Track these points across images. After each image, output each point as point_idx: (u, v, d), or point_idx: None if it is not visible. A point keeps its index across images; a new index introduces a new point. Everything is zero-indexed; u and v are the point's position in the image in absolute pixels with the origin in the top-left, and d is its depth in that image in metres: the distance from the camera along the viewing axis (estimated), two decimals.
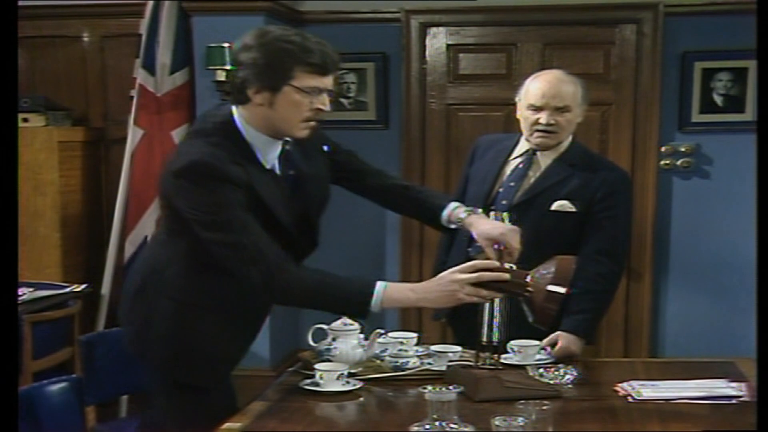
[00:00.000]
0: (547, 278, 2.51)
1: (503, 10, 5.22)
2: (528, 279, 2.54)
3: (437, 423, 2.04)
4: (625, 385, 2.75)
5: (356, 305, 2.53)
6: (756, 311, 2.11)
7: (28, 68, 5.40)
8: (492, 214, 2.88)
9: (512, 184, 3.28)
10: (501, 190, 3.29)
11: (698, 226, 5.18)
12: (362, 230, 5.50)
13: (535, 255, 2.82)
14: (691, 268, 5.20)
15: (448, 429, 2.02)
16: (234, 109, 2.56)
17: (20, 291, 4.23)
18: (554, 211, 3.21)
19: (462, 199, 3.43)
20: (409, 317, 5.29)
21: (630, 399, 2.64)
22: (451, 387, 2.08)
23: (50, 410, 2.59)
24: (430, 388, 2.08)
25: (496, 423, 1.99)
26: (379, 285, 2.52)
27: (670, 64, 5.11)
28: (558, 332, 3.04)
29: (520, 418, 2.00)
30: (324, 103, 2.51)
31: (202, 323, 2.63)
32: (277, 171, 2.63)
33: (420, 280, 5.21)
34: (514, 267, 2.62)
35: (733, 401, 2.64)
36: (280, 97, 2.47)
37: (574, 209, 3.21)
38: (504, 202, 3.25)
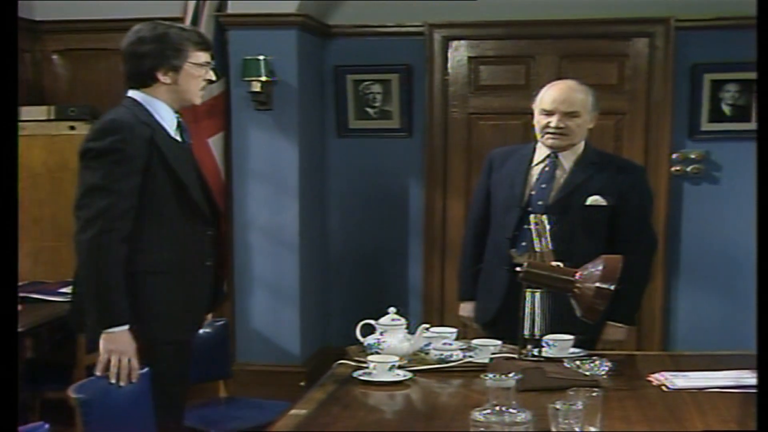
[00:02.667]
0: (596, 275, 2.56)
1: (522, 24, 5.27)
2: (577, 276, 2.59)
3: (497, 408, 2.08)
4: (658, 375, 2.80)
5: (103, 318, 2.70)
6: (756, 312, 2.13)
7: (72, 79, 5.47)
8: (531, 217, 2.93)
9: (544, 185, 3.37)
10: (533, 192, 3.37)
11: (708, 228, 5.23)
12: (385, 232, 5.55)
13: (572, 249, 2.93)
14: (702, 268, 5.25)
15: (507, 414, 2.06)
16: (131, 92, 2.88)
17: (68, 289, 4.28)
18: (589, 205, 3.33)
19: (485, 208, 3.52)
20: (431, 317, 5.34)
21: (664, 388, 2.70)
22: (510, 374, 2.13)
23: (121, 402, 2.63)
24: (491, 375, 2.13)
25: (557, 406, 2.04)
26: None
27: (681, 75, 5.16)
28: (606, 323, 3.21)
29: (579, 402, 2.05)
30: (211, 74, 2.94)
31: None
32: (180, 140, 2.93)
33: (442, 282, 5.34)
34: (562, 265, 2.68)
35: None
36: (182, 74, 2.85)
37: (606, 203, 3.34)
38: (540, 202, 3.33)
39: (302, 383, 4.93)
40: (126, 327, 2.71)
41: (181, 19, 5.02)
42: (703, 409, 2.49)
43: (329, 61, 5.49)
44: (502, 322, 3.35)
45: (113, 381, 2.65)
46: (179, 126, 2.94)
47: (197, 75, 2.88)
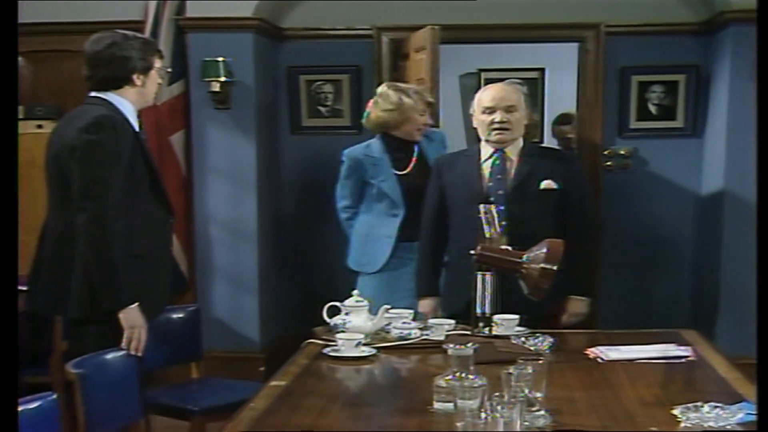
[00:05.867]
0: (541, 257, 2.84)
1: (463, 28, 5.50)
2: (524, 258, 2.88)
3: (458, 375, 2.34)
4: (593, 349, 3.09)
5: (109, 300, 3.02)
6: (757, 312, 2.38)
7: (35, 79, 5.56)
8: (481, 207, 3.20)
9: (499, 177, 3.65)
10: (491, 184, 3.65)
11: (635, 217, 5.57)
12: (338, 225, 5.75)
13: (532, 231, 3.26)
14: (630, 254, 5.60)
15: (466, 380, 2.33)
16: (99, 94, 3.14)
17: None
18: (543, 189, 3.62)
19: (440, 208, 3.77)
20: None
21: (599, 360, 2.99)
22: (469, 344, 2.40)
23: (113, 376, 2.87)
24: (452, 345, 2.39)
25: (510, 371, 2.31)
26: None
27: (611, 77, 5.48)
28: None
29: (530, 368, 2.33)
30: (162, 78, 3.32)
31: None
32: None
33: None
34: (510, 249, 2.96)
35: (683, 360, 3.02)
36: (149, 77, 3.20)
37: (556, 186, 3.63)
38: (500, 192, 3.61)
39: (261, 368, 5.16)
40: (137, 303, 3.02)
41: (142, 23, 5.20)
42: (632, 377, 2.78)
43: (283, 62, 5.70)
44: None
45: (133, 353, 3.01)
46: (140, 125, 3.25)
47: (156, 79, 3.25)
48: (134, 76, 3.14)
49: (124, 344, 3.00)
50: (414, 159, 4.29)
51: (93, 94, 3.15)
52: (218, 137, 5.33)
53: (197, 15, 5.25)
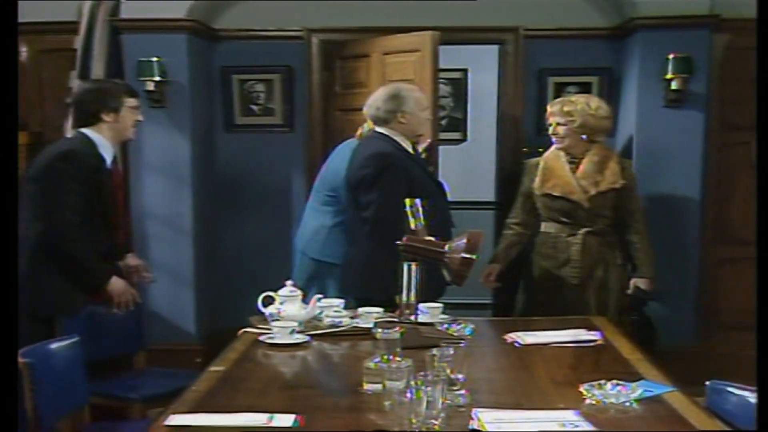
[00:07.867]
0: (461, 247, 3.03)
1: (388, 30, 5.60)
2: (446, 248, 3.06)
3: (386, 357, 2.52)
4: (511, 334, 3.31)
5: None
6: (757, 310, 2.47)
7: None
8: (407, 201, 3.33)
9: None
10: None
11: None
12: (270, 220, 5.90)
13: None
14: None
15: (394, 362, 2.51)
16: (82, 129, 3.72)
17: None
18: None
19: None
20: None
21: (516, 344, 3.21)
22: (395, 329, 2.58)
23: (59, 363, 3.00)
24: (380, 330, 2.57)
25: (434, 353, 2.50)
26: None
27: (530, 78, 5.70)
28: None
29: (451, 349, 2.52)
30: (139, 114, 3.87)
31: None
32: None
33: None
34: (433, 239, 3.14)
35: (591, 344, 3.25)
36: (120, 114, 3.75)
37: None
38: None
39: (198, 360, 5.25)
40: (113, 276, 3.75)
41: (76, 24, 5.25)
42: (546, 359, 3.01)
43: (216, 62, 5.80)
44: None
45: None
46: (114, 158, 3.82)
47: (130, 116, 3.79)
48: (102, 115, 3.70)
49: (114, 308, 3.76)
50: None
51: (79, 129, 3.75)
52: (154, 135, 5.40)
53: (132, 16, 5.31)
